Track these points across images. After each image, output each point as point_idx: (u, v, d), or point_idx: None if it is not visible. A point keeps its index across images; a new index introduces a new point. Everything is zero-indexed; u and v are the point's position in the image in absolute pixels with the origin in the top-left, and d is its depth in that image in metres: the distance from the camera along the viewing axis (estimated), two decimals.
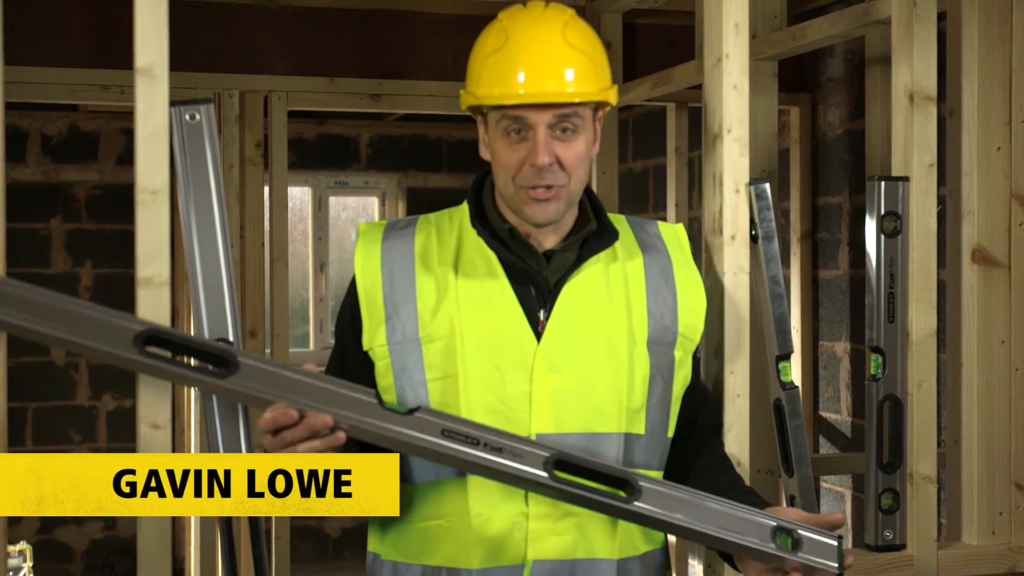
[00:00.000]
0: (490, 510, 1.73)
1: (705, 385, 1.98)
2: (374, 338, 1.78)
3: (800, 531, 1.72)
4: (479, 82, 1.77)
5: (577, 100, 1.73)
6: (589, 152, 1.78)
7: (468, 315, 1.75)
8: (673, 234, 1.92)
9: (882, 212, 2.28)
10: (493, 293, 1.76)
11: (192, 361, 1.71)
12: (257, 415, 1.69)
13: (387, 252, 1.81)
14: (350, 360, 1.81)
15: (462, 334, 1.74)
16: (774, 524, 1.72)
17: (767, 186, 2.13)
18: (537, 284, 1.78)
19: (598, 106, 1.81)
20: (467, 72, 1.83)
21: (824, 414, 4.25)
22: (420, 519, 1.78)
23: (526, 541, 1.73)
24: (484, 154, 1.82)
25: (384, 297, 1.78)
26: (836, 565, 1.72)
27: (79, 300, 1.67)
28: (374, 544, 1.85)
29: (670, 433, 1.84)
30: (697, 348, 1.89)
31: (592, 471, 1.69)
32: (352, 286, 1.83)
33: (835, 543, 1.73)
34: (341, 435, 1.64)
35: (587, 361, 1.76)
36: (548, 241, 1.81)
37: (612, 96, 1.79)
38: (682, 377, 1.85)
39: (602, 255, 1.82)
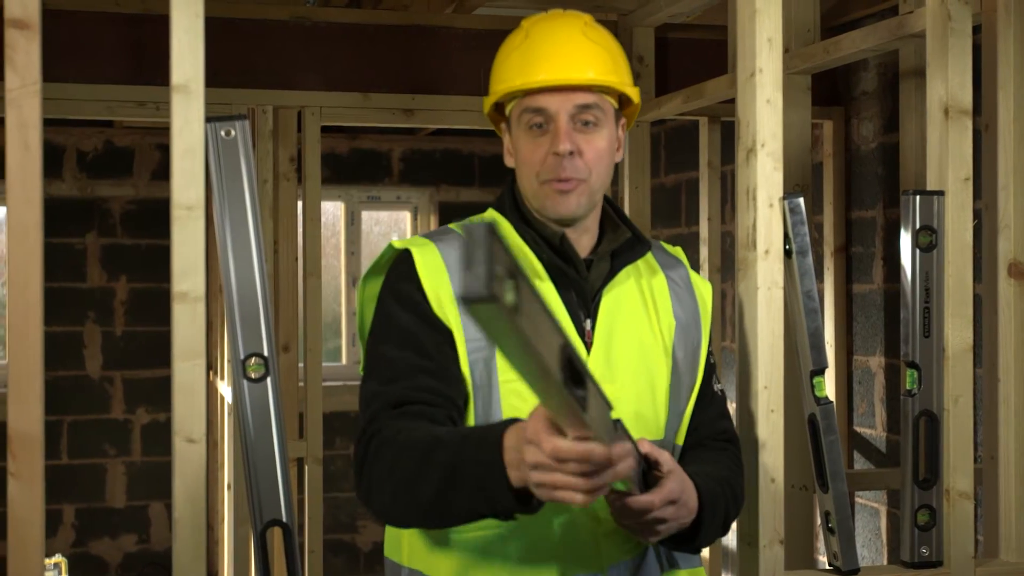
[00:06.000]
0: (567, 515, 1.72)
1: (716, 392, 1.94)
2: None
3: None
4: (500, 78, 1.81)
5: (597, 84, 1.75)
6: (611, 150, 1.80)
7: None
8: (676, 251, 1.97)
9: (917, 226, 2.26)
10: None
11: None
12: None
13: (445, 255, 1.77)
14: (430, 333, 1.72)
15: None
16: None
17: (801, 200, 2.13)
18: (580, 291, 1.79)
19: (620, 107, 1.83)
20: (490, 77, 1.85)
21: (859, 429, 4.22)
22: (477, 529, 1.71)
23: (601, 546, 1.73)
24: (508, 162, 1.85)
25: (457, 298, 1.73)
26: None
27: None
28: (416, 560, 1.79)
29: (680, 440, 1.85)
30: (710, 354, 1.91)
31: None
32: (412, 278, 1.74)
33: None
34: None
35: (629, 369, 1.78)
36: (581, 250, 1.82)
37: (633, 91, 1.82)
38: (697, 385, 1.87)
39: (629, 266, 1.85)
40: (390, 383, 1.71)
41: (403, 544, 1.81)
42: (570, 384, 1.16)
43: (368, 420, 1.70)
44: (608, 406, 1.32)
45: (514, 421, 1.50)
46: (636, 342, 1.80)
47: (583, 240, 1.83)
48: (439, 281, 1.74)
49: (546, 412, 1.35)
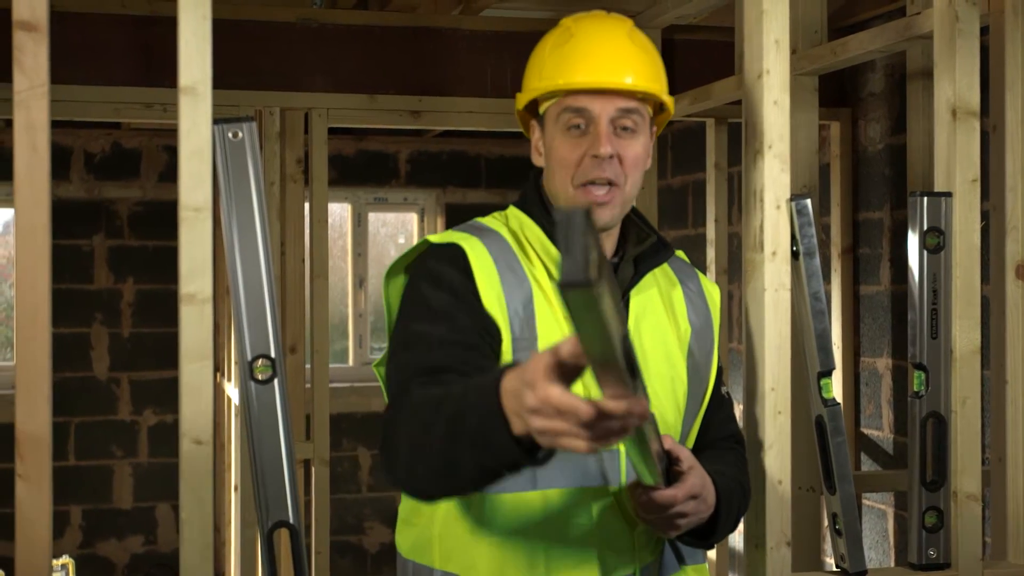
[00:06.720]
0: (604, 516, 1.73)
1: (723, 395, 1.97)
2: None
3: None
4: (540, 75, 1.78)
5: (641, 89, 1.75)
6: (646, 157, 1.80)
7: (561, 324, 1.72)
8: (678, 254, 1.97)
9: (925, 228, 2.26)
10: None
11: None
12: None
13: (493, 253, 1.75)
14: (468, 315, 1.67)
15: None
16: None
17: (808, 202, 2.12)
18: None
19: (655, 115, 1.84)
20: (525, 73, 1.83)
21: (866, 431, 4.21)
22: (513, 531, 1.71)
23: (636, 547, 1.75)
24: (537, 160, 1.82)
25: (505, 296, 1.71)
26: None
27: None
28: (451, 562, 1.76)
29: (690, 443, 1.87)
30: (718, 357, 1.93)
31: None
32: (459, 267, 1.71)
33: None
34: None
35: (658, 373, 1.80)
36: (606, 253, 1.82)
37: (670, 101, 1.82)
38: (709, 389, 1.89)
39: (651, 272, 1.85)
40: (421, 355, 1.66)
41: (434, 546, 1.77)
42: (629, 372, 1.16)
43: (396, 391, 1.65)
44: (647, 400, 1.30)
45: (514, 366, 1.36)
46: (662, 346, 1.81)
47: (605, 244, 1.83)
48: (491, 279, 1.72)
49: (549, 354, 1.22)
